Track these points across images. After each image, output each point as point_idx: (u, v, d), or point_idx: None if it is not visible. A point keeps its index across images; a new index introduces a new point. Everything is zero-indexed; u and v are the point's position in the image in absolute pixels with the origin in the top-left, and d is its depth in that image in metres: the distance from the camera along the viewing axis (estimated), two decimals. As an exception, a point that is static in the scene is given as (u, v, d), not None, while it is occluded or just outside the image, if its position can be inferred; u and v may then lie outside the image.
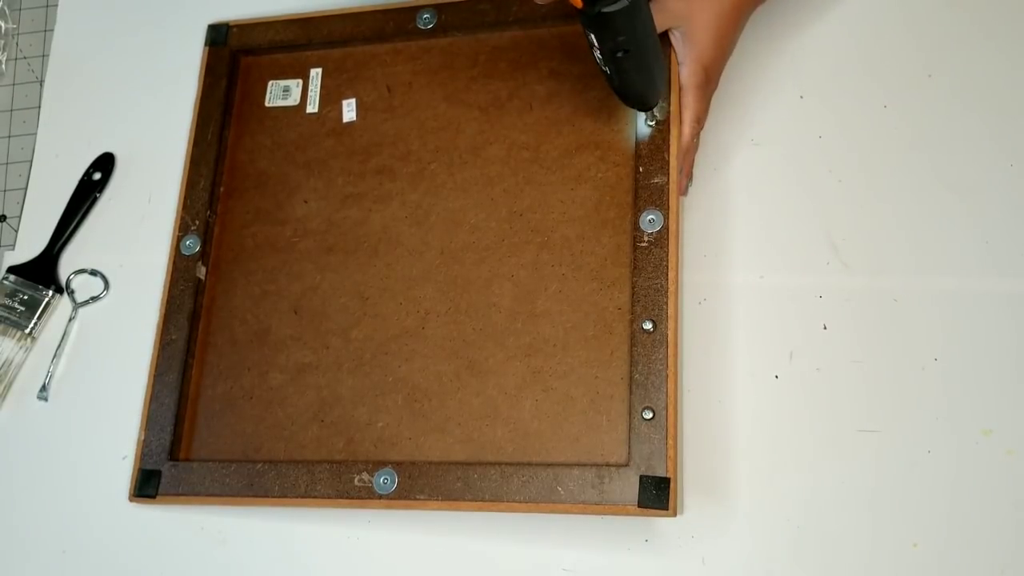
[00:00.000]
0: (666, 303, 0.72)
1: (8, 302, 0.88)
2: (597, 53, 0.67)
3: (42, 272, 0.90)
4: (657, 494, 0.68)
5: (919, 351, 0.74)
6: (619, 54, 0.66)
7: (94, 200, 0.92)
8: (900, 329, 0.75)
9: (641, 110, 0.76)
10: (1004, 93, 0.80)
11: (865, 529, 0.71)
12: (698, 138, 0.78)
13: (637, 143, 0.77)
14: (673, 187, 0.74)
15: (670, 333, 0.71)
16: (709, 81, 0.76)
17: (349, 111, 0.87)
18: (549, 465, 0.71)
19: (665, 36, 0.76)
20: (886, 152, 0.79)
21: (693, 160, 0.78)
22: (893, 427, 0.72)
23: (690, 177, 0.79)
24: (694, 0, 0.75)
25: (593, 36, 0.66)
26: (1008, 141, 0.78)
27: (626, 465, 0.69)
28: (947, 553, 0.69)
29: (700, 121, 0.77)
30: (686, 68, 0.76)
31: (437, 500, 0.71)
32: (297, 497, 0.74)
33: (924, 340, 0.74)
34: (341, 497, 0.74)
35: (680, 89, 0.76)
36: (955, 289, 0.75)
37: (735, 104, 0.83)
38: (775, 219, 0.79)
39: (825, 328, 0.76)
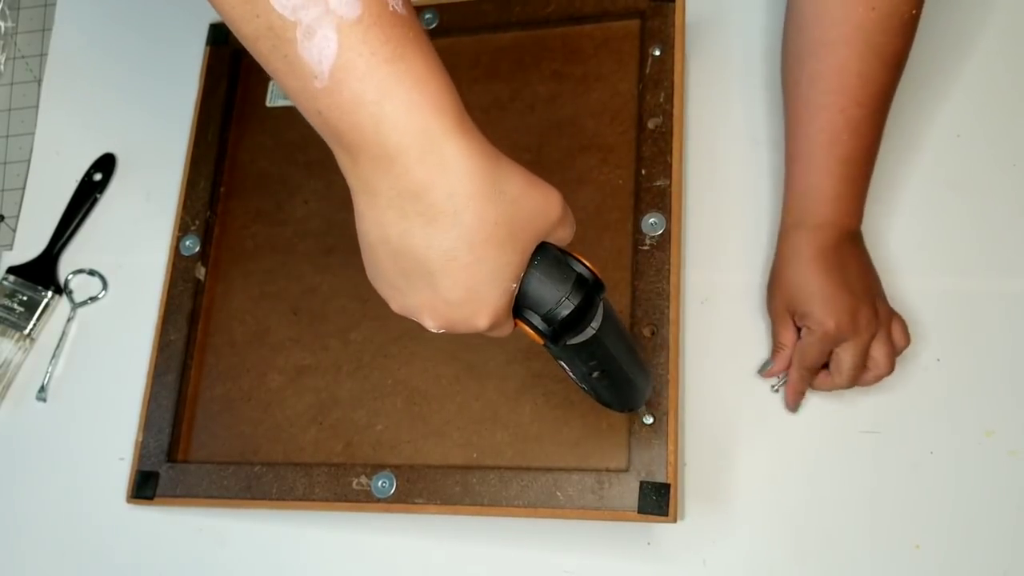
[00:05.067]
0: (667, 307, 0.71)
1: (7, 303, 0.88)
2: (570, 374, 0.62)
3: (41, 273, 0.89)
4: (657, 500, 0.67)
5: (921, 352, 0.74)
6: (594, 375, 0.60)
7: (94, 201, 0.92)
8: (902, 331, 0.74)
9: (630, 412, 0.70)
10: (1005, 92, 0.79)
11: (867, 531, 0.70)
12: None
13: (639, 145, 0.77)
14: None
15: (671, 338, 0.71)
16: (791, 314, 0.72)
17: (349, 111, 0.87)
18: (549, 470, 0.70)
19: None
20: (886, 152, 0.79)
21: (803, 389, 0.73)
22: (895, 428, 0.72)
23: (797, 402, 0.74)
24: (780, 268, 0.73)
25: (563, 363, 0.60)
26: (1010, 141, 0.78)
27: (626, 470, 0.69)
28: (949, 555, 0.69)
29: (805, 365, 0.71)
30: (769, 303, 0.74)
31: (436, 504, 0.71)
32: (295, 500, 0.74)
33: (926, 340, 0.74)
34: (339, 500, 0.73)
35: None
36: (957, 289, 0.75)
37: (736, 104, 0.82)
38: (776, 219, 0.78)
39: (826, 330, 0.75)
